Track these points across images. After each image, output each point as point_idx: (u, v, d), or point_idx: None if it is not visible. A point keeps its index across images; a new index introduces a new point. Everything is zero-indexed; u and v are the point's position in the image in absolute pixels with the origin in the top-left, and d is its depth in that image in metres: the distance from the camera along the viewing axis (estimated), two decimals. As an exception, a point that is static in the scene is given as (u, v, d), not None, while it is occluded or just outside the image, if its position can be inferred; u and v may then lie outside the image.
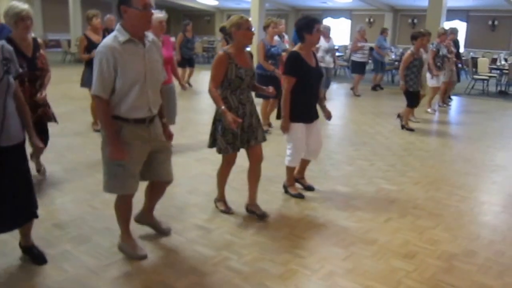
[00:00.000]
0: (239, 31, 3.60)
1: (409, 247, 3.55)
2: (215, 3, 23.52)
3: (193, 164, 5.45)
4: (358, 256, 3.37)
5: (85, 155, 5.67)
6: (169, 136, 3.36)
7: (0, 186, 2.70)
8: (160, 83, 3.11)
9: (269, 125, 7.23)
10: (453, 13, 17.42)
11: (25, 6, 3.93)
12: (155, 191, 3.45)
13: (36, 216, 3.02)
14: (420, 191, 4.78)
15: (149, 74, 2.93)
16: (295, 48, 4.21)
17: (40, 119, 4.41)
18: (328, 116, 4.49)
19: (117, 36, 2.82)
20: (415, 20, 20.67)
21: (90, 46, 6.32)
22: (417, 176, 5.31)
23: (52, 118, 4.65)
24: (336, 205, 4.31)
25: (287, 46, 9.51)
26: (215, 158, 4.24)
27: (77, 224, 3.76)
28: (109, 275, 3.03)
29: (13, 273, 3.03)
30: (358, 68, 11.84)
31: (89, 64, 6.25)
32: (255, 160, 3.88)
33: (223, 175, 3.99)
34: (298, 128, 4.19)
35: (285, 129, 4.20)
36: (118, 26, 2.85)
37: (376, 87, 12.67)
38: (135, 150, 2.99)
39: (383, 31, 12.87)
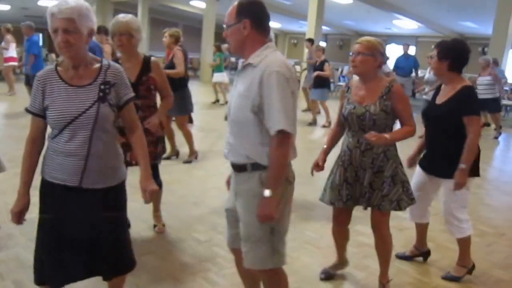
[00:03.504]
0: None
1: (402, 277, 3.38)
2: (278, 25, 23.84)
3: (210, 178, 5.51)
4: (348, 282, 3.27)
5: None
6: None
7: (78, 232, 2.24)
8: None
9: None
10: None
11: (122, 19, 3.40)
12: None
13: (124, 273, 2.46)
14: (437, 223, 4.51)
15: None
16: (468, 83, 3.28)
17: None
18: None
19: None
20: (486, 49, 19.81)
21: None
22: (439, 207, 5.02)
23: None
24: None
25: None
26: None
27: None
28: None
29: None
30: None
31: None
32: None
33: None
34: (472, 182, 3.30)
35: (461, 185, 3.13)
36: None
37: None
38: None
39: (496, 62, 11.12)
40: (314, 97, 10.19)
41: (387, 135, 2.75)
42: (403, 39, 22.27)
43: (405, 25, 19.26)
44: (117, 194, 2.34)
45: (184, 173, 5.76)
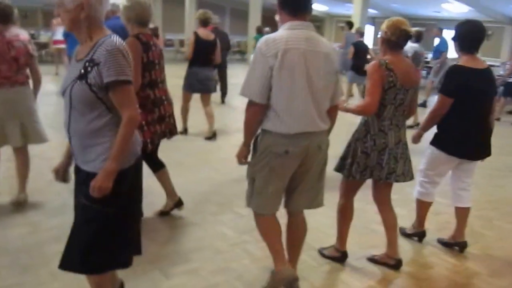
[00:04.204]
0: None
1: (431, 258, 3.52)
2: (325, 8, 23.58)
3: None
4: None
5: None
6: None
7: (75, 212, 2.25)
8: None
9: None
10: None
11: None
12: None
13: (68, 269, 2.22)
14: (472, 209, 4.58)
15: None
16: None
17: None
18: None
19: None
20: (540, 35, 19.04)
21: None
22: (477, 194, 5.06)
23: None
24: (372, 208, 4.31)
25: None
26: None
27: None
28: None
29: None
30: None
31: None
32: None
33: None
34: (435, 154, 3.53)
35: (412, 141, 3.53)
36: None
37: None
38: None
39: None
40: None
41: (344, 105, 3.00)
42: (452, 23, 21.63)
43: (455, 8, 18.68)
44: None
45: (231, 152, 5.99)
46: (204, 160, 5.69)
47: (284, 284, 2.76)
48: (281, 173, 2.63)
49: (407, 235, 3.86)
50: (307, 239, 2.97)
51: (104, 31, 2.10)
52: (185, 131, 6.89)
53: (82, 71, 2.02)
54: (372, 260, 3.37)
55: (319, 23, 26.71)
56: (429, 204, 3.73)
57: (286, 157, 2.57)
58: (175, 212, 3.99)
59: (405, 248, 3.66)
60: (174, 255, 3.30)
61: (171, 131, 3.80)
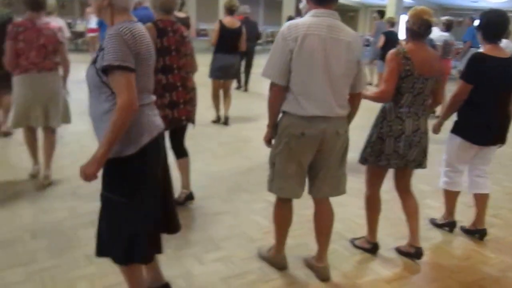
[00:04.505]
0: None
1: (466, 251, 3.46)
2: (359, -2, 23.31)
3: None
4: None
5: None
6: None
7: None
8: None
9: None
10: None
11: None
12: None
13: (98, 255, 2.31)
14: (509, 201, 4.49)
15: None
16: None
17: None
18: None
19: None
20: None
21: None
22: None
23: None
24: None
25: None
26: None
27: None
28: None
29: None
30: None
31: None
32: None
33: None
34: (459, 142, 3.52)
35: (433, 131, 3.51)
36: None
37: None
38: None
39: None
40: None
41: (364, 91, 2.95)
42: (492, 13, 20.99)
43: (493, -2, 18.14)
44: (107, 168, 2.11)
45: (262, 141, 6.02)
46: (236, 149, 5.74)
47: (275, 267, 3.07)
48: (298, 155, 2.70)
49: (438, 226, 3.83)
50: (339, 229, 2.98)
51: (128, 19, 2.14)
52: (218, 120, 6.96)
53: (96, 57, 2.10)
54: (397, 250, 3.36)
55: (353, 13, 26.40)
56: (456, 193, 3.70)
57: (303, 139, 2.64)
58: (208, 200, 4.06)
59: (438, 239, 3.62)
60: (207, 242, 3.35)
61: (188, 118, 3.76)
